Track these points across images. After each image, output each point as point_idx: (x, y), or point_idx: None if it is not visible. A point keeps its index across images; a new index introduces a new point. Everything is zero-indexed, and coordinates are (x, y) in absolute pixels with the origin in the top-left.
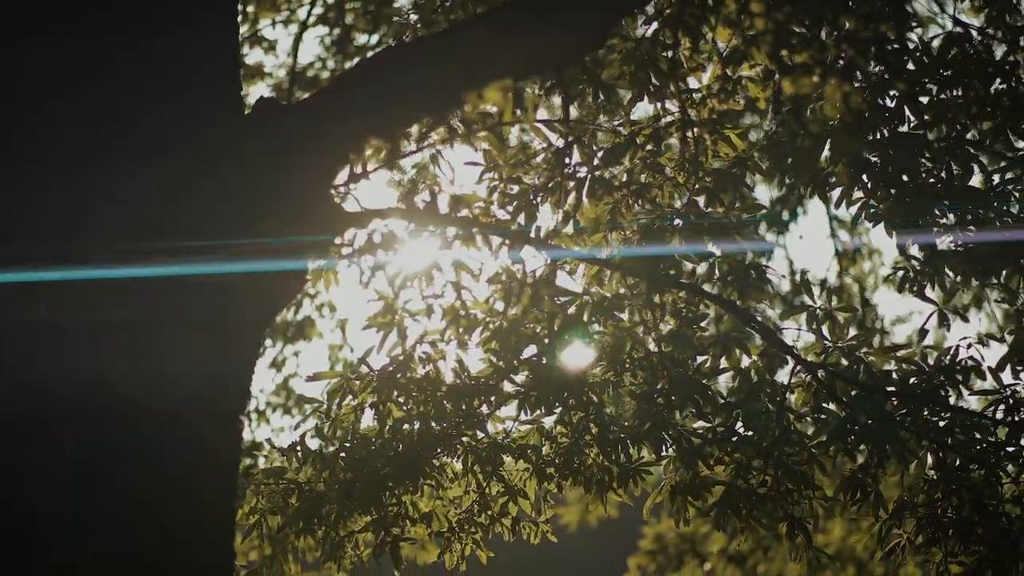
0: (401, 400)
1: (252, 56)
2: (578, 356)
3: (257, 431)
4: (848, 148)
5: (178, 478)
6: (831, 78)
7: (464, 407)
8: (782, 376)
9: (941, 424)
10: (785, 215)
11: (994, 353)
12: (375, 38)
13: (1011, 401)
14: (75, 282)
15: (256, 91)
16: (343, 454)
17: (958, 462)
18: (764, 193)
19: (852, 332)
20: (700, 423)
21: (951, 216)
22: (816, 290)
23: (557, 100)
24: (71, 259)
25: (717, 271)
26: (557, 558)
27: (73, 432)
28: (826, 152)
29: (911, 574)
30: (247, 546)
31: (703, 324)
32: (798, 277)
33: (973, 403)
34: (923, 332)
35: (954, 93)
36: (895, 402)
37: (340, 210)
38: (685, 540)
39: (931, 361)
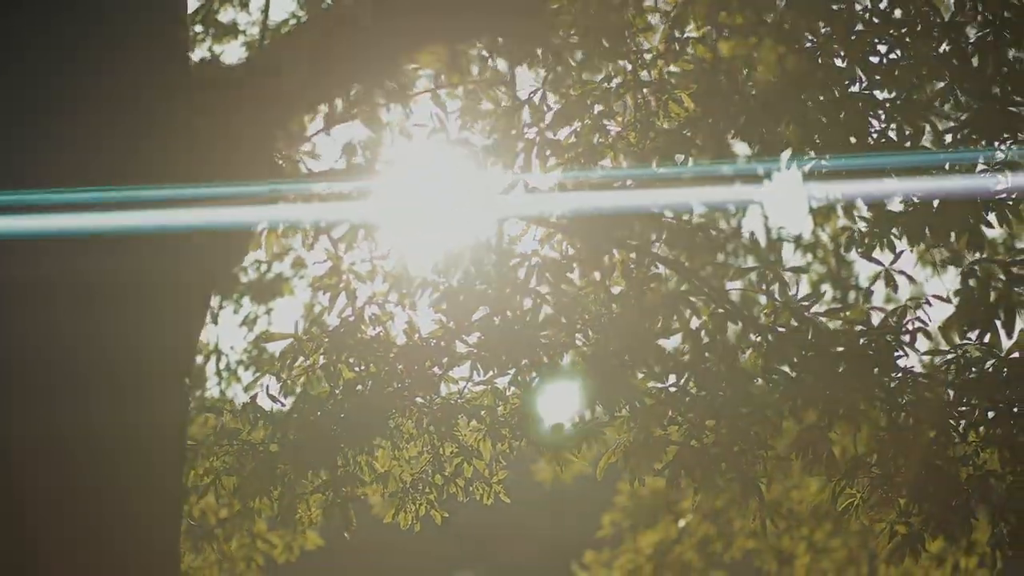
0: (352, 361)
1: (226, 15)
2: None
3: (228, 389)
4: (787, 109)
5: (121, 438)
6: (767, 40)
7: (416, 368)
8: (734, 336)
9: (892, 385)
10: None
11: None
12: None
13: (962, 361)
14: (14, 239)
15: (230, 49)
16: (296, 415)
17: (910, 422)
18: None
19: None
20: (653, 383)
21: (901, 176)
22: (791, 247)
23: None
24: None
25: (666, 232)
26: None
27: (13, 392)
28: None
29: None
30: (217, 504)
31: (655, 285)
32: (773, 233)
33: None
34: (868, 293)
35: (904, 54)
36: (841, 366)
37: (283, 173)
38: (659, 497)
39: (876, 322)
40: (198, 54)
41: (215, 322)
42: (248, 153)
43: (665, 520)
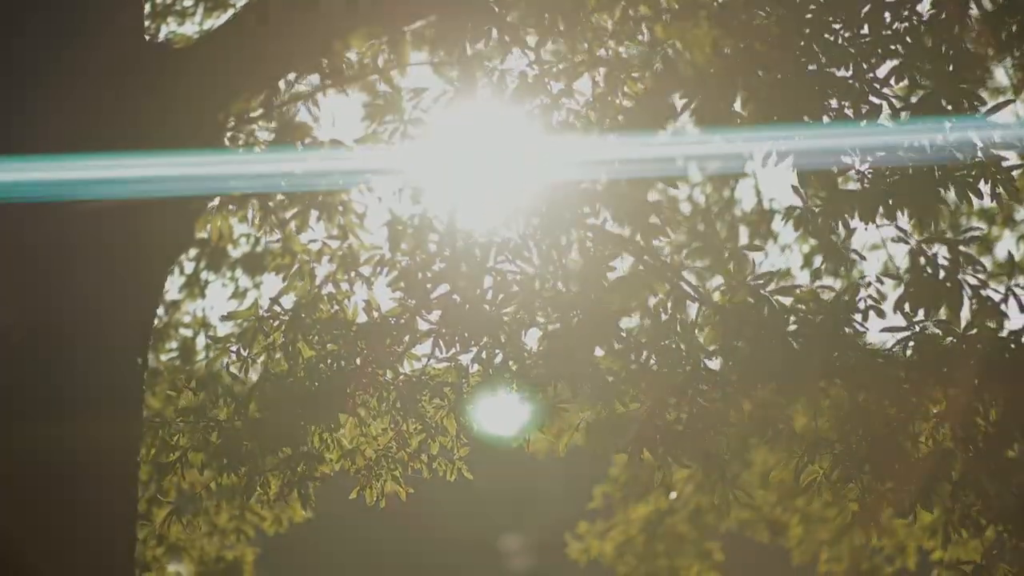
0: (313, 339)
1: None
2: None
3: (214, 363)
4: (744, 87)
5: (76, 410)
6: (703, 23)
7: (376, 346)
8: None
9: (850, 362)
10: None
11: None
12: None
13: (921, 338)
14: None
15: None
16: (257, 393)
17: (870, 400)
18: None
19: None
20: (613, 360)
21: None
22: (781, 219)
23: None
24: None
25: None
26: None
27: None
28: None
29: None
30: (208, 477)
31: (614, 263)
32: (766, 205)
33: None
34: (817, 272)
35: (857, 31)
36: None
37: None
38: (652, 468)
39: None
40: (190, 28)
41: (203, 295)
42: (191, 132)
43: (657, 492)
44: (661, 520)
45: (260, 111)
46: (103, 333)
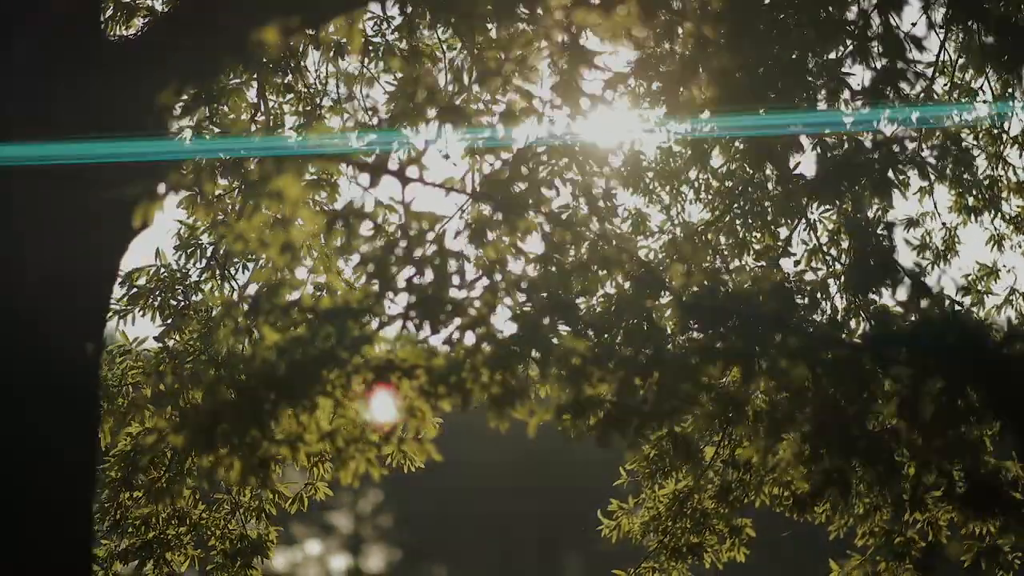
0: (275, 323)
1: None
2: None
3: (237, 345)
4: (707, 71)
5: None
6: (623, 13)
7: (343, 328)
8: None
9: (807, 343)
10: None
11: None
12: None
13: (876, 322)
14: None
15: None
16: (225, 376)
17: (835, 378)
18: None
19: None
20: (579, 341)
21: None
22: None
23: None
24: None
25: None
26: None
27: None
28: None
29: None
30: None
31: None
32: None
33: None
34: (774, 258)
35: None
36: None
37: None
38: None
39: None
40: None
41: (224, 279)
42: (135, 122)
43: (684, 467)
44: (688, 497)
45: (191, 103)
46: (47, 318)
